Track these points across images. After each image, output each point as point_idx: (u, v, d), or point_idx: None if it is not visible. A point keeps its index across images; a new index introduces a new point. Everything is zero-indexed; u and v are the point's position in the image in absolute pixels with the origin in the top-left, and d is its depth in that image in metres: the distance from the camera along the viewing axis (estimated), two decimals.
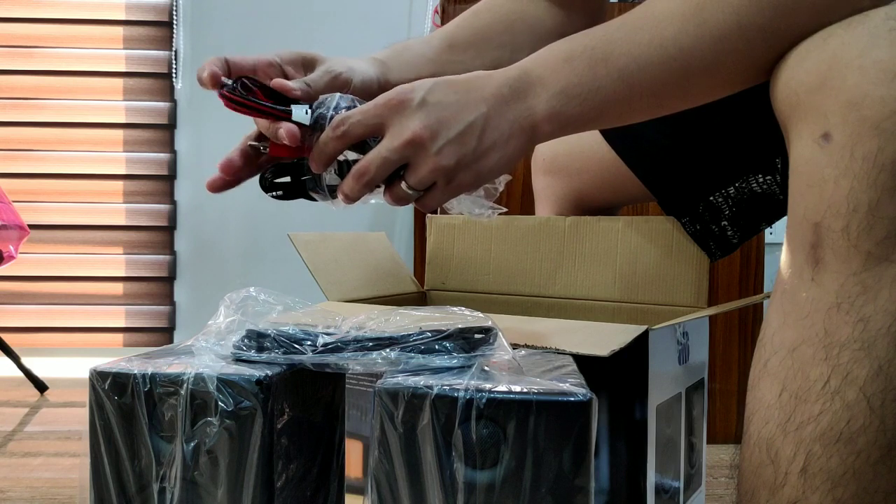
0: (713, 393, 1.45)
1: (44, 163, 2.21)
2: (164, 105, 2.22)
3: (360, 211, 2.10)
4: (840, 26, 0.50)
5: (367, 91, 0.68)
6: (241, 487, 0.46)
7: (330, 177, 0.62)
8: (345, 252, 0.92)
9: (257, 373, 0.47)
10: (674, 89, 0.57)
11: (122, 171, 2.22)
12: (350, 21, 2.19)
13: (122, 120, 2.22)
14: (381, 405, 0.44)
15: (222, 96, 0.60)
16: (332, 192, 0.63)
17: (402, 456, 0.44)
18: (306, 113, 0.61)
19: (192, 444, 0.47)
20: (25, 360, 1.83)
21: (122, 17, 2.22)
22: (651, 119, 0.61)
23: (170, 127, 2.22)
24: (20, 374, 1.82)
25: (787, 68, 0.52)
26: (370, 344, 0.49)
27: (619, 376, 0.64)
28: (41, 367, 1.90)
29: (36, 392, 1.81)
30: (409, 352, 0.48)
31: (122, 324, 2.23)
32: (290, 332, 0.50)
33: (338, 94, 0.63)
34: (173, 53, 2.20)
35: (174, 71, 2.20)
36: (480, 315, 0.52)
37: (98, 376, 0.48)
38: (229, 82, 0.61)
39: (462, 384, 0.44)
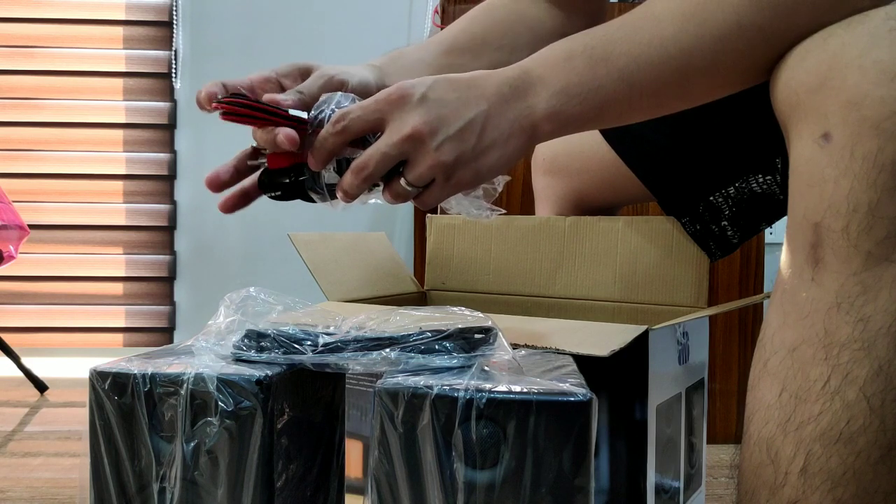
0: (713, 393, 1.45)
1: (44, 163, 2.21)
2: (164, 105, 2.22)
3: (360, 211, 2.10)
4: (840, 26, 0.50)
5: (364, 93, 0.68)
6: (241, 487, 0.46)
7: (329, 175, 0.62)
8: (345, 252, 0.92)
9: (257, 373, 0.47)
10: (674, 89, 0.57)
11: (122, 171, 2.22)
12: (350, 21, 2.19)
13: (122, 120, 2.22)
14: (381, 405, 0.44)
15: (219, 107, 0.59)
16: (330, 191, 0.62)
17: (402, 456, 0.44)
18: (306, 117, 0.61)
19: (192, 444, 0.47)
20: (25, 360, 1.83)
21: (122, 17, 2.22)
22: (651, 119, 0.61)
23: (170, 127, 2.22)
24: (20, 374, 1.82)
25: (787, 68, 0.52)
26: (370, 344, 0.49)
27: (619, 376, 0.64)
28: (41, 367, 1.90)
29: (36, 392, 1.81)
30: (409, 352, 0.48)
31: (122, 324, 2.23)
32: (290, 332, 0.50)
33: (339, 93, 0.62)
34: (173, 53, 2.20)
35: (174, 71, 2.20)
36: (480, 315, 0.52)
37: (98, 376, 0.48)
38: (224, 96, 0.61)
39: (462, 384, 0.44)
